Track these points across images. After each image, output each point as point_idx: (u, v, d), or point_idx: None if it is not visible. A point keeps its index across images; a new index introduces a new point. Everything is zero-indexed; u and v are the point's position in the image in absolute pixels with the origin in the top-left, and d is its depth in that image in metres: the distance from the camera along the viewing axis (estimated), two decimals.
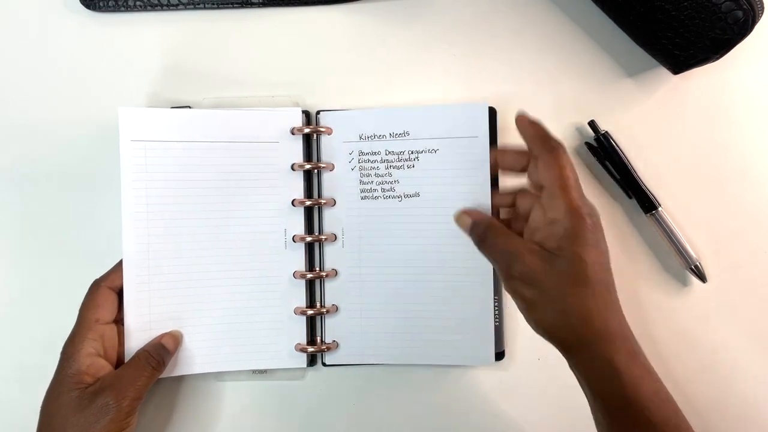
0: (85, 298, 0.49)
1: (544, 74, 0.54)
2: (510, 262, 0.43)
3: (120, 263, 0.50)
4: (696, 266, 0.52)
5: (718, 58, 0.49)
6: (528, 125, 0.46)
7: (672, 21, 0.48)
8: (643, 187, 0.52)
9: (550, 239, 0.43)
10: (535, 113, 0.53)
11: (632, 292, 0.53)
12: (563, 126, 0.54)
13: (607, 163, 0.53)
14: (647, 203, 0.52)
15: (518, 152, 0.47)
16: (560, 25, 0.54)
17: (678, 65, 0.51)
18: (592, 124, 0.53)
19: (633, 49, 0.53)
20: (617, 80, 0.54)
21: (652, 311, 0.53)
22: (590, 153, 0.53)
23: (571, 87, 0.54)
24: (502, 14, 0.54)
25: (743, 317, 0.53)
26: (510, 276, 0.44)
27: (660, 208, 0.52)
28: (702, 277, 0.52)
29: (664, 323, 0.53)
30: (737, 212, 0.53)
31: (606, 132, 0.53)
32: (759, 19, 0.47)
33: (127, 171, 0.50)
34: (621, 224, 0.54)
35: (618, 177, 0.53)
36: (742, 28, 0.47)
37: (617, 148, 0.53)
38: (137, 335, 0.50)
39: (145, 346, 0.50)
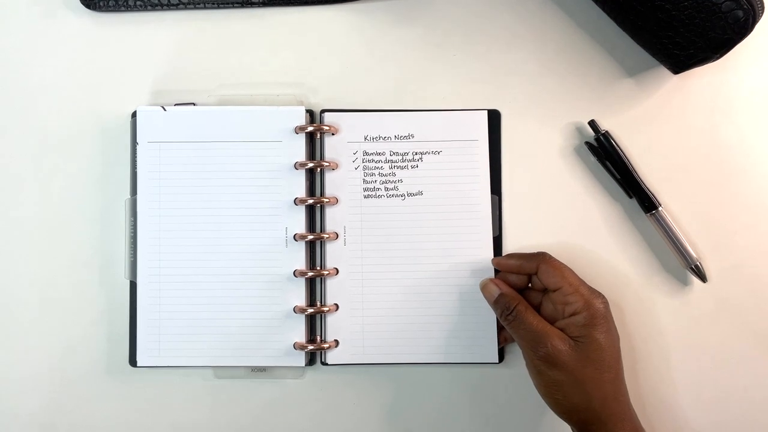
0: None
1: (544, 74, 0.54)
2: (537, 344, 0.46)
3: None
4: (696, 266, 0.52)
5: (718, 58, 0.49)
6: (506, 261, 0.51)
7: (672, 21, 0.48)
8: (643, 187, 0.53)
9: (572, 328, 0.47)
10: (535, 113, 0.54)
11: (632, 292, 0.53)
12: (563, 126, 0.54)
13: (607, 162, 0.53)
14: (647, 203, 0.52)
15: (517, 274, 0.51)
16: (560, 25, 0.54)
17: (678, 65, 0.51)
18: (592, 124, 0.53)
19: (633, 49, 0.53)
20: (617, 80, 0.54)
21: (652, 311, 0.53)
22: (590, 153, 0.53)
23: (572, 87, 0.54)
24: (502, 14, 0.55)
25: (743, 317, 0.53)
26: (536, 356, 0.47)
27: (660, 208, 0.52)
28: (702, 277, 0.52)
29: (664, 323, 0.53)
30: (737, 212, 0.53)
31: (606, 132, 0.53)
32: (759, 19, 0.47)
33: (143, 172, 0.52)
34: (621, 224, 0.54)
35: (618, 177, 0.53)
36: (742, 28, 0.47)
37: (617, 148, 0.53)
38: (148, 329, 0.52)
39: None
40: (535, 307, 0.50)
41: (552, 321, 0.48)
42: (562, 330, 0.47)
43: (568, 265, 0.49)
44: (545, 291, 0.50)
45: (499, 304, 0.49)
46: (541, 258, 0.49)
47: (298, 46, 0.55)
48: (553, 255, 0.50)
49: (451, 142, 0.53)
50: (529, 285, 0.51)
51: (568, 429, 0.48)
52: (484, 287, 0.51)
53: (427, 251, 0.53)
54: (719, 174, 0.54)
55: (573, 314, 0.47)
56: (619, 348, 0.48)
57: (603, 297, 0.48)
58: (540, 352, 0.46)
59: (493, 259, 0.52)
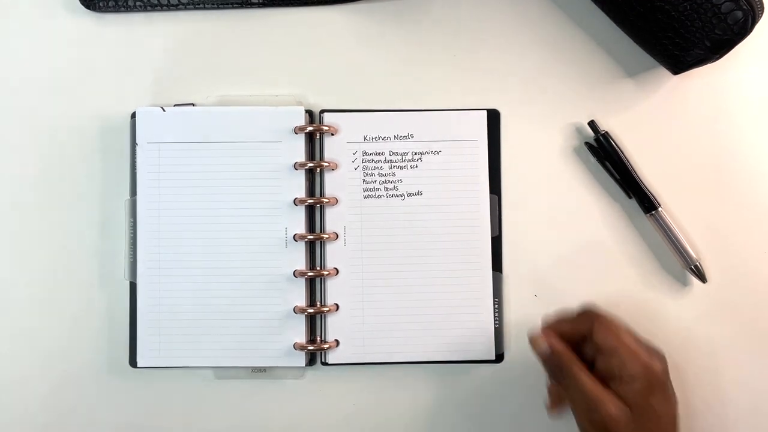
0: None
1: (544, 74, 0.54)
2: (591, 409, 0.44)
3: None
4: (696, 266, 0.52)
5: (718, 58, 0.49)
6: (558, 326, 0.47)
7: (672, 21, 0.48)
8: (643, 187, 0.52)
9: (628, 393, 0.44)
10: (534, 113, 0.54)
11: (632, 292, 0.53)
12: (563, 126, 0.54)
13: (607, 163, 0.53)
14: (647, 203, 0.52)
15: (570, 333, 0.47)
16: (560, 25, 0.54)
17: (678, 65, 0.51)
18: (592, 124, 0.53)
19: (633, 49, 0.53)
20: (617, 80, 0.54)
21: (652, 311, 0.53)
22: (590, 153, 0.53)
23: (572, 87, 0.54)
24: (502, 14, 0.55)
25: (743, 317, 0.53)
26: (588, 420, 0.44)
27: (660, 208, 0.52)
28: (702, 277, 0.52)
29: (664, 323, 0.53)
30: (737, 212, 0.53)
31: (606, 132, 0.53)
32: (759, 19, 0.47)
33: (143, 173, 0.52)
34: (621, 224, 0.54)
35: (618, 177, 0.53)
36: (742, 28, 0.47)
37: (617, 148, 0.53)
38: (148, 329, 0.52)
39: None
40: (589, 361, 0.46)
41: (607, 379, 0.45)
42: (618, 394, 0.44)
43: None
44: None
45: (549, 363, 0.46)
46: (593, 318, 0.46)
47: (298, 46, 0.55)
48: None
49: (451, 142, 0.53)
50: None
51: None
52: (533, 341, 0.47)
53: (427, 251, 0.53)
54: (719, 174, 0.54)
55: (630, 379, 0.44)
56: (676, 414, 0.45)
57: (661, 357, 0.46)
58: (593, 417, 0.43)
59: (543, 327, 0.48)
